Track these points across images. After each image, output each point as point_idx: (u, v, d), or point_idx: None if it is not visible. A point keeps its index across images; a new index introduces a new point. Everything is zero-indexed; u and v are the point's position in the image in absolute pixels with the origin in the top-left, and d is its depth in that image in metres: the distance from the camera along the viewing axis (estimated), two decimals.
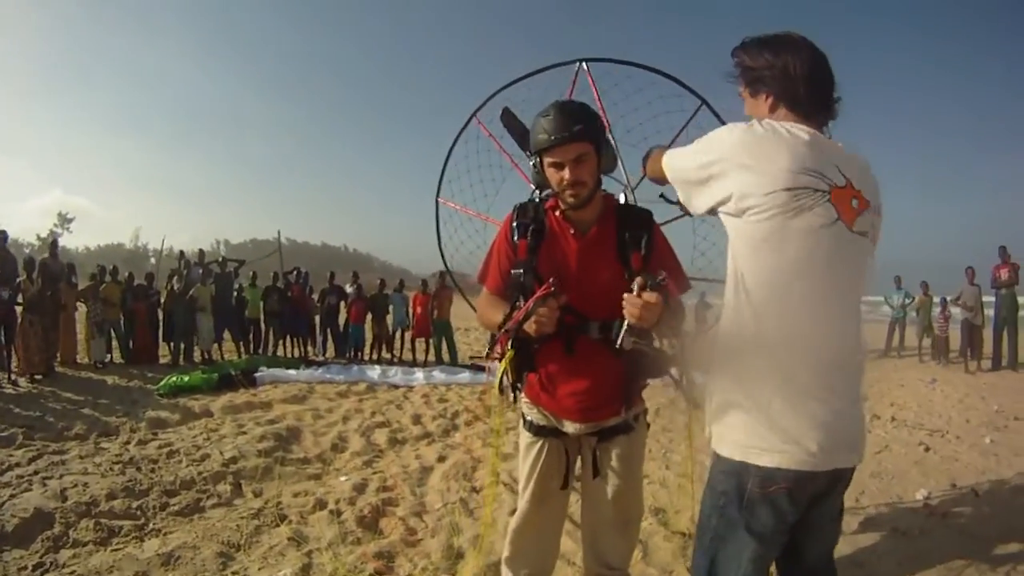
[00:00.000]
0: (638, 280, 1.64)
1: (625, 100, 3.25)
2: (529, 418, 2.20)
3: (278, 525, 3.42)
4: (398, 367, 9.68)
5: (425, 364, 10.49)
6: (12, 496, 3.76)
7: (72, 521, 3.45)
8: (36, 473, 4.23)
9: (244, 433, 5.38)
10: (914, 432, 5.94)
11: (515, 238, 2.05)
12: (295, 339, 11.57)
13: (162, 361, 10.14)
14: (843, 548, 3.11)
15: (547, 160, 1.92)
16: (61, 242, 11.81)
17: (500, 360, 1.97)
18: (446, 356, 11.14)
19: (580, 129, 1.87)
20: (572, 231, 2.01)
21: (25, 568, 2.95)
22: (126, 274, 10.90)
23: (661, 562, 3.07)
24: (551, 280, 1.77)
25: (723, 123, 3.09)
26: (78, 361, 9.63)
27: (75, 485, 3.96)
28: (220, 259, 11.63)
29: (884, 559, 3.08)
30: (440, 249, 3.83)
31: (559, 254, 2.04)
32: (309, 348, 11.59)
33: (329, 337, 11.58)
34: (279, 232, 14.46)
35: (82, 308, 10.11)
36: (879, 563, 3.04)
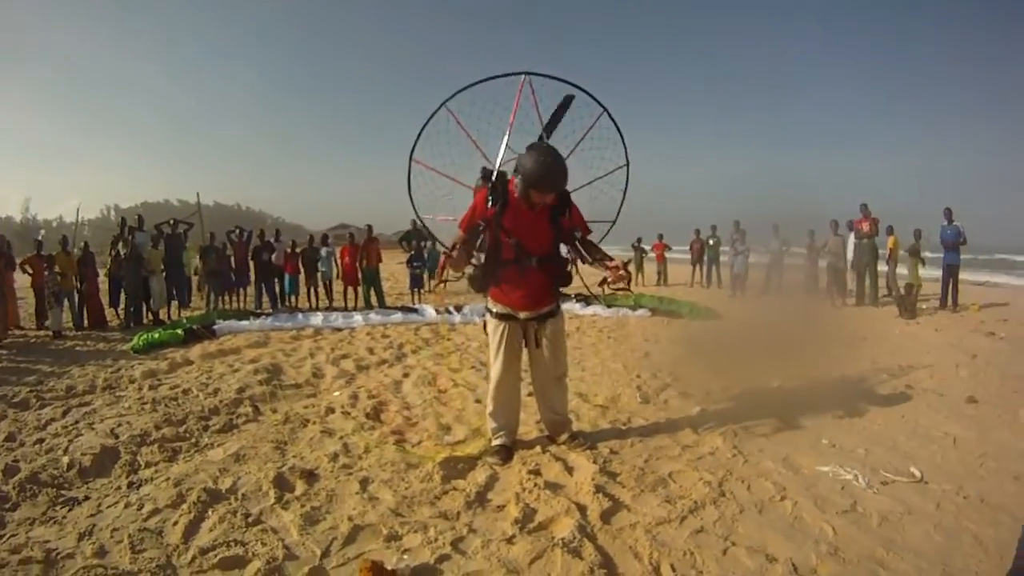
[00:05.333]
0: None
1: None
2: (496, 311, 3.50)
3: (306, 426, 4.29)
4: (337, 313, 10.30)
5: (356, 309, 11.13)
6: (70, 442, 4.06)
7: (135, 450, 3.84)
8: (77, 423, 4.54)
9: (237, 371, 6.06)
10: (777, 346, 6.91)
11: (488, 205, 3.32)
12: (232, 294, 12.02)
13: (112, 325, 10.26)
14: (716, 412, 4.44)
15: (535, 192, 3.26)
16: None
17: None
18: (374, 301, 11.81)
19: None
20: (526, 206, 3.31)
21: (119, 488, 3.33)
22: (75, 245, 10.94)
23: (589, 421, 4.29)
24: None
25: (618, 128, 4.16)
26: (21, 326, 9.95)
27: (119, 425, 4.38)
28: (171, 221, 11.65)
29: (746, 416, 4.25)
30: (412, 202, 4.53)
31: (518, 218, 3.35)
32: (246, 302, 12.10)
33: (264, 291, 12.01)
34: (197, 194, 14.49)
35: (22, 278, 10.26)
36: (742, 418, 4.25)
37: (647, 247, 18.36)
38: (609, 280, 3.27)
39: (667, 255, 18.13)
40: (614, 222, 4.33)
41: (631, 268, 16.66)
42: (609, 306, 10.44)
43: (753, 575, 2.40)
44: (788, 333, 7.49)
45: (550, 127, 3.90)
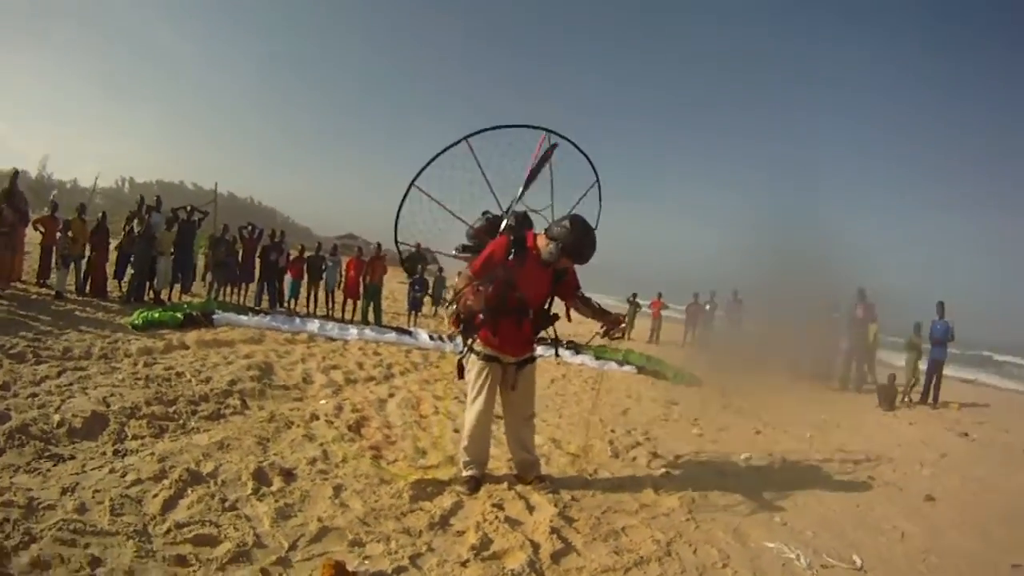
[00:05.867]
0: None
1: (569, 162, 4.52)
2: (483, 353, 3.76)
3: (289, 427, 4.51)
4: (333, 323, 10.56)
5: (352, 322, 11.41)
6: (62, 402, 4.29)
7: (124, 421, 4.07)
8: (71, 384, 4.75)
9: (231, 363, 6.29)
10: (753, 422, 7.27)
11: (508, 256, 3.59)
12: (235, 288, 12.28)
13: (112, 296, 10.45)
14: (679, 476, 4.69)
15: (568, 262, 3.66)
16: None
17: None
18: (371, 317, 12.09)
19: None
20: (540, 263, 3.65)
21: (105, 453, 3.56)
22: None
23: (559, 467, 4.49)
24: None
25: (600, 199, 4.48)
26: (24, 280, 10.27)
27: (112, 395, 4.58)
28: (188, 208, 11.99)
29: (707, 484, 4.56)
30: (396, 223, 4.70)
31: (530, 274, 3.67)
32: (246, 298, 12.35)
33: (265, 290, 12.23)
34: (216, 184, 14.86)
35: (32, 235, 10.60)
36: (703, 486, 4.54)
37: (643, 303, 18.72)
38: (610, 331, 3.79)
39: (663, 313, 18.41)
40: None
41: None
42: (598, 358, 10.67)
43: None
44: (766, 409, 7.69)
45: (531, 178, 4.26)
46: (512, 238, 3.68)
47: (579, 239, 3.56)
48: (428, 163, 4.27)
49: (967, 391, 13.96)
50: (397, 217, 4.39)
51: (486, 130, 4.35)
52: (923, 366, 11.26)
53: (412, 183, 4.28)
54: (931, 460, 6.44)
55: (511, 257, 3.62)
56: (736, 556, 3.33)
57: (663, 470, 4.71)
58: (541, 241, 3.67)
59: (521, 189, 4.29)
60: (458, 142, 4.31)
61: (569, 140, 4.46)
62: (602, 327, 3.88)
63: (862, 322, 12.07)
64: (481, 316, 3.70)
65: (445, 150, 4.28)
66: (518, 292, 3.65)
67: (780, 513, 4.07)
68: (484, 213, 4.25)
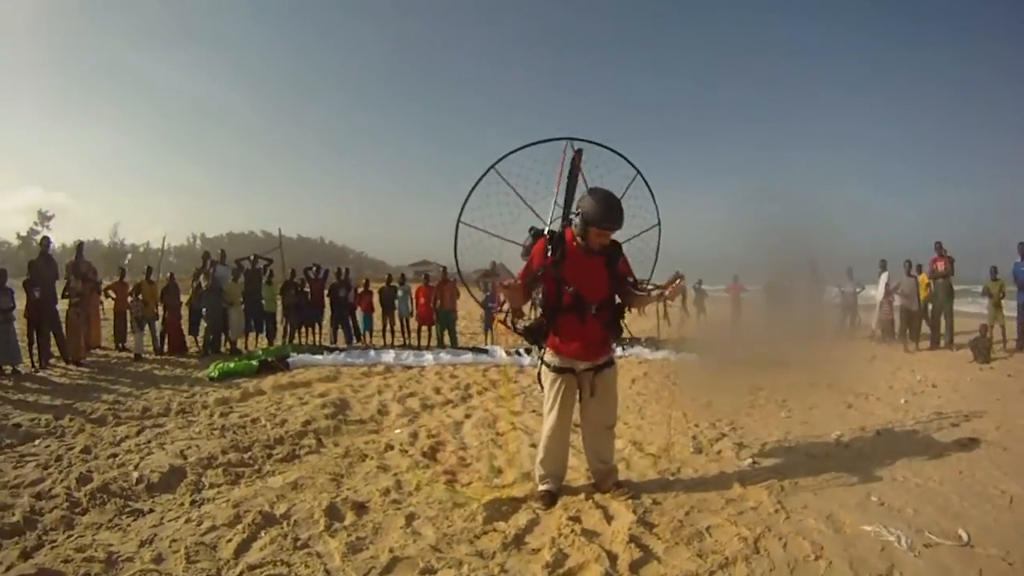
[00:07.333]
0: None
1: (598, 166, 4.54)
2: (553, 363, 3.71)
3: (363, 460, 4.58)
4: (408, 351, 10.77)
5: (429, 348, 11.63)
6: (141, 459, 4.57)
7: (200, 472, 4.29)
8: (149, 442, 5.07)
9: (306, 404, 6.48)
10: (844, 395, 7.09)
11: (548, 255, 3.56)
12: (308, 329, 12.74)
13: (191, 352, 11.11)
14: (767, 465, 4.43)
15: (595, 231, 3.50)
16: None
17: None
18: (447, 340, 12.29)
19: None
20: (584, 252, 3.57)
21: (183, 504, 3.75)
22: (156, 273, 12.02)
23: (639, 470, 4.35)
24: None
25: (650, 189, 4.43)
26: (103, 347, 11.20)
27: (189, 447, 4.83)
28: (252, 257, 12.63)
29: (797, 470, 4.30)
30: (456, 258, 4.86)
31: (576, 267, 3.61)
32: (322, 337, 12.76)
33: (339, 327, 12.65)
34: (279, 229, 15.61)
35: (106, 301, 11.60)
36: (793, 472, 4.25)
37: (708, 288, 18.35)
38: (667, 293, 3.56)
39: (743, 295, 17.79)
40: (649, 280, 4.52)
41: (691, 308, 16.78)
42: (679, 352, 10.51)
43: None
44: (857, 380, 7.36)
45: (570, 190, 4.29)
46: (547, 238, 3.68)
47: (597, 205, 3.46)
48: (466, 200, 4.51)
49: None
50: (456, 256, 4.59)
51: (509, 154, 4.51)
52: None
53: (459, 220, 4.47)
54: None
55: (550, 254, 3.59)
56: (830, 545, 3.13)
57: (750, 460, 4.54)
58: (574, 230, 3.64)
59: (563, 206, 4.36)
60: (486, 172, 4.50)
61: (595, 142, 4.51)
62: (659, 292, 3.68)
63: (943, 275, 11.73)
64: (545, 321, 3.69)
65: (477, 183, 4.50)
66: (570, 287, 3.60)
67: (877, 491, 3.85)
68: (530, 229, 4.32)
